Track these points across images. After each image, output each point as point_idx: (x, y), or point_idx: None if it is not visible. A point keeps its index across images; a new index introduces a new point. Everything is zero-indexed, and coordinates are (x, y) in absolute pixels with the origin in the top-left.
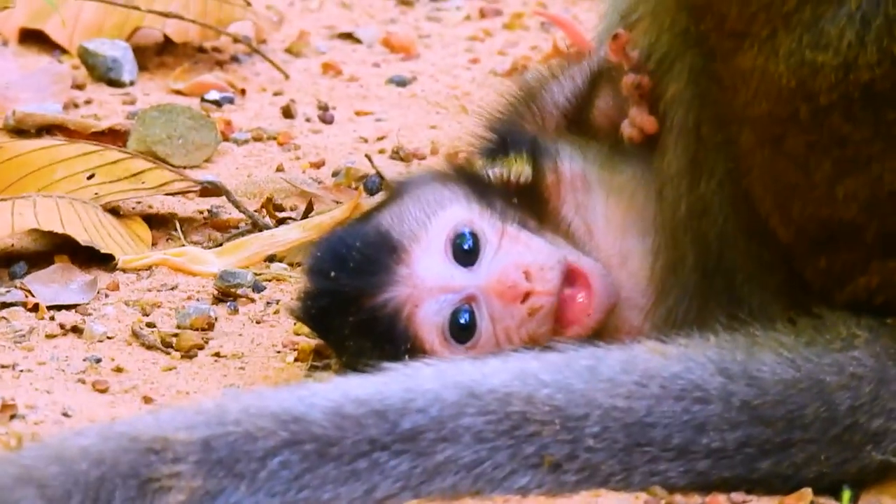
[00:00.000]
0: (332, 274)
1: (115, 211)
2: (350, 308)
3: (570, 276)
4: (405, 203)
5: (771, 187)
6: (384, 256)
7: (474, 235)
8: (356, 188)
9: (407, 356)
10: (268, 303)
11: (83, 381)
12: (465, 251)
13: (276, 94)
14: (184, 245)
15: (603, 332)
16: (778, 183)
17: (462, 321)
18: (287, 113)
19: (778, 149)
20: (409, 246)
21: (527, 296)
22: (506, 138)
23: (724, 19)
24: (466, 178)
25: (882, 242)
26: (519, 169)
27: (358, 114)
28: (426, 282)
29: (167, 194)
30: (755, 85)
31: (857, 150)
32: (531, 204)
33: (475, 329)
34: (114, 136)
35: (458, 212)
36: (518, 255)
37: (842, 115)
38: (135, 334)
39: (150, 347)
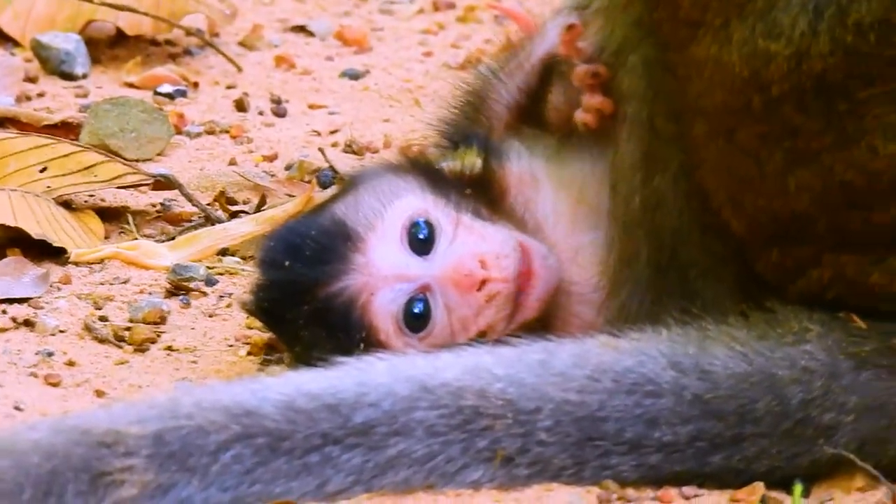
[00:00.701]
0: (287, 263)
1: (67, 204)
2: (305, 297)
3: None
4: (360, 193)
5: (723, 179)
6: (339, 245)
7: (429, 224)
8: (309, 182)
9: (361, 346)
10: (220, 296)
11: (35, 375)
12: (421, 240)
13: (228, 87)
14: (136, 238)
15: (555, 325)
16: (730, 175)
17: (416, 310)
18: (240, 106)
19: (730, 140)
20: (365, 234)
21: (483, 283)
22: (456, 133)
23: (677, 8)
24: (421, 170)
25: (834, 235)
26: (470, 162)
27: (311, 107)
28: (381, 270)
29: (120, 187)
30: (708, 75)
31: (809, 142)
32: (484, 195)
33: (430, 318)
34: (66, 130)
35: (413, 201)
36: (473, 244)
37: (793, 105)
38: (87, 328)
39: (102, 341)
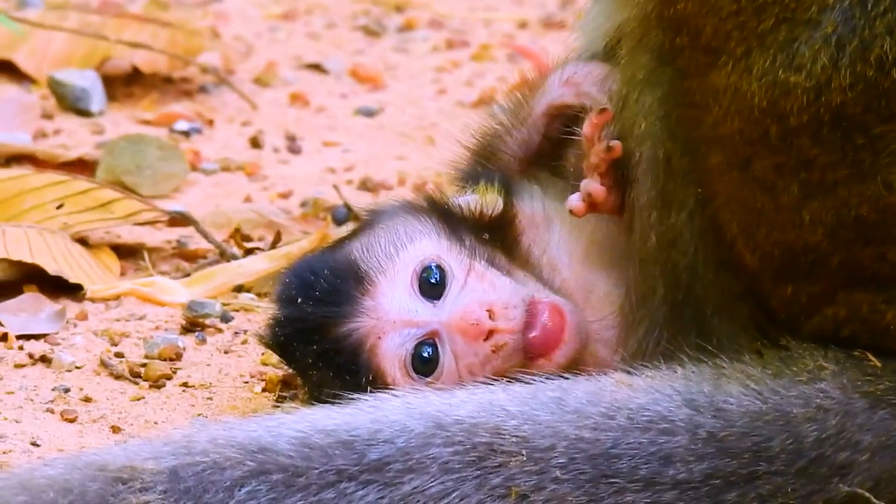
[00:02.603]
0: (299, 301)
1: (83, 241)
2: (314, 336)
3: (537, 312)
4: (375, 233)
5: (737, 212)
6: (350, 287)
7: (441, 270)
8: (324, 219)
9: (368, 388)
10: (235, 333)
11: (52, 411)
12: (432, 285)
13: (244, 124)
14: (152, 275)
15: (570, 364)
16: (744, 207)
17: (425, 355)
18: (255, 143)
19: (746, 171)
20: (376, 277)
21: (490, 334)
22: (477, 168)
23: (699, 35)
24: (438, 211)
25: (847, 271)
26: (491, 199)
27: (325, 144)
28: (390, 314)
29: (136, 224)
30: (727, 103)
31: (824, 174)
32: (501, 240)
33: (437, 364)
34: (82, 166)
35: (427, 246)
36: (482, 292)
37: (810, 137)
38: (103, 364)
39: (118, 377)
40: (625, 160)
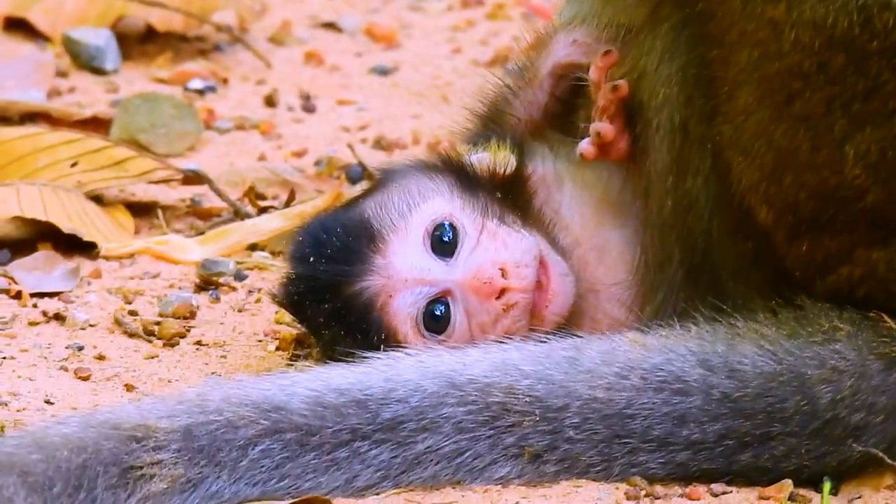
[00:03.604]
0: (311, 259)
1: (97, 199)
2: (327, 294)
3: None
4: (389, 192)
5: (760, 157)
6: (362, 245)
7: (454, 228)
8: (338, 177)
9: (380, 346)
10: (249, 291)
11: (66, 369)
12: (444, 244)
13: (258, 83)
14: (166, 233)
15: (583, 322)
16: (771, 149)
17: (436, 314)
18: (269, 102)
19: (785, 107)
20: (388, 236)
21: (502, 292)
22: (490, 125)
23: None
24: (451, 170)
25: (871, 218)
26: (503, 157)
27: (340, 103)
28: (402, 273)
29: (150, 182)
30: (785, 36)
31: (885, 103)
32: (513, 199)
33: (449, 322)
34: (97, 125)
35: (440, 204)
36: (495, 251)
37: (887, 63)
38: (117, 322)
39: (132, 335)
40: (633, 104)
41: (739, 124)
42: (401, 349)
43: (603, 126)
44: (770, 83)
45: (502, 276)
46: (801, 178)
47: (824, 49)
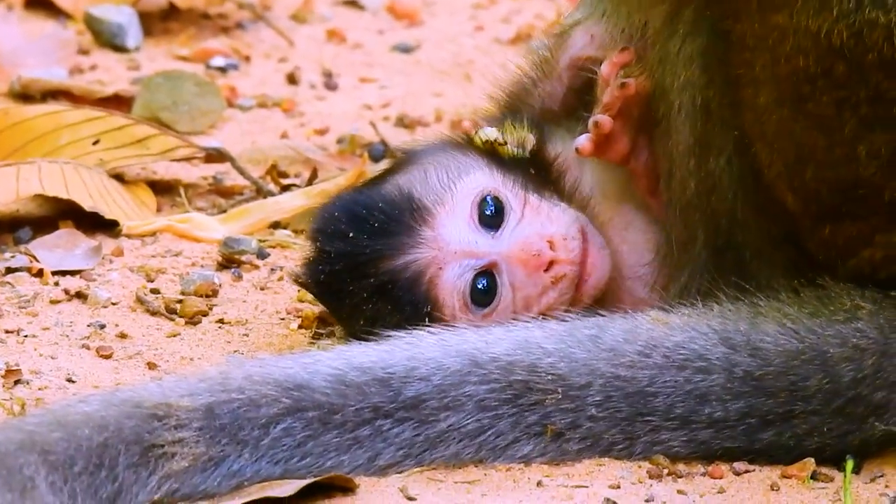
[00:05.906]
0: (351, 234)
1: (119, 177)
2: (368, 270)
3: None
4: (427, 167)
5: (783, 151)
6: (407, 218)
7: (498, 202)
8: (360, 155)
9: (427, 319)
10: (272, 269)
11: (87, 347)
12: (490, 217)
13: (280, 60)
14: (188, 211)
15: (606, 301)
16: (792, 144)
17: (481, 287)
18: (291, 80)
19: (800, 107)
20: (434, 209)
21: (551, 264)
22: (508, 112)
23: None
24: (483, 148)
25: (892, 209)
26: (521, 137)
27: (362, 81)
28: (451, 245)
29: (172, 160)
30: (787, 42)
31: (890, 108)
32: (544, 176)
33: (495, 295)
34: (119, 102)
35: (483, 178)
36: (541, 224)
37: (886, 73)
38: (139, 300)
39: (154, 313)
40: (654, 91)
41: (764, 119)
42: (442, 324)
43: (602, 118)
44: (784, 84)
45: (550, 248)
46: (821, 173)
47: (825, 57)
